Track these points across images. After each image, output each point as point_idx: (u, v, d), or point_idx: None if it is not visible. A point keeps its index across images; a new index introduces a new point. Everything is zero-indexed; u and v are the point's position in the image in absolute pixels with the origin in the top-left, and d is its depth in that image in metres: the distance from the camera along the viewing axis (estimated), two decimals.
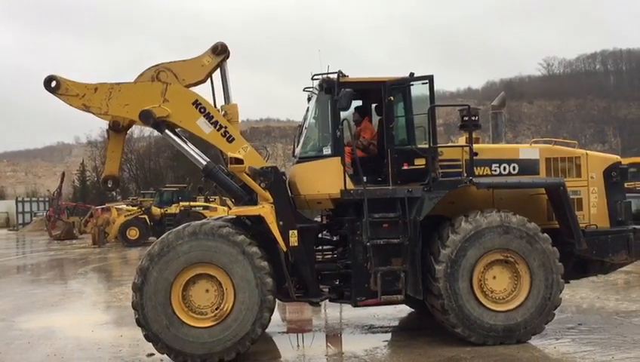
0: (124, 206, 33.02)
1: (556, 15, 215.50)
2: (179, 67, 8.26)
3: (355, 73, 8.45)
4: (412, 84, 8.35)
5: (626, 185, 9.29)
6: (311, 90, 8.94)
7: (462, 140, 8.86)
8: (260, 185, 8.06)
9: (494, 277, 7.96)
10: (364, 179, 8.06)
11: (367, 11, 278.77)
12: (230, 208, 11.06)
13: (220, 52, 8.32)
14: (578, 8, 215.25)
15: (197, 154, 8.36)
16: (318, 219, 9.50)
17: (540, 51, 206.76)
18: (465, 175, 8.20)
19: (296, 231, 8.01)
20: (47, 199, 52.55)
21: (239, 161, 8.02)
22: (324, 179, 8.21)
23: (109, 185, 8.61)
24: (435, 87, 8.25)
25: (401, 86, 8.39)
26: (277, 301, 8.03)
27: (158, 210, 30.65)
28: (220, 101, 8.55)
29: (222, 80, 8.53)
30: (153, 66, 8.24)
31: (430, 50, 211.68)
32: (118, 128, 8.40)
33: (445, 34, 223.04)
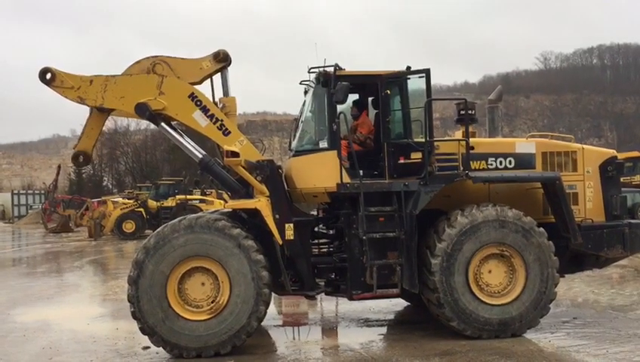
0: (120, 199, 33.02)
1: (536, 9, 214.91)
2: (176, 63, 8.22)
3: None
4: (409, 78, 8.34)
5: (621, 179, 9.31)
6: (307, 83, 8.91)
7: (458, 134, 8.85)
8: (256, 178, 8.04)
9: (490, 271, 7.98)
10: (361, 172, 8.05)
11: (344, 5, 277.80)
12: (226, 201, 11.06)
13: (221, 60, 8.28)
14: (555, 3, 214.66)
15: (193, 147, 8.33)
16: (314, 213, 9.49)
17: (521, 46, 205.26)
18: (461, 169, 8.19)
19: (292, 225, 8.01)
20: (43, 192, 52.40)
21: (235, 155, 8.00)
22: (320, 172, 8.19)
23: (80, 161, 8.45)
24: (432, 81, 8.25)
25: (398, 79, 8.38)
26: (273, 294, 8.03)
27: (155, 203, 30.65)
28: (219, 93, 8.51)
29: (221, 76, 8.49)
30: (150, 57, 8.18)
31: (411, 44, 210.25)
32: (102, 108, 8.31)
33: (426, 28, 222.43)
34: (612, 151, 9.17)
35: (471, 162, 8.20)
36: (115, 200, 32.56)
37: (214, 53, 8.30)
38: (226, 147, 8.02)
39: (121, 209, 29.85)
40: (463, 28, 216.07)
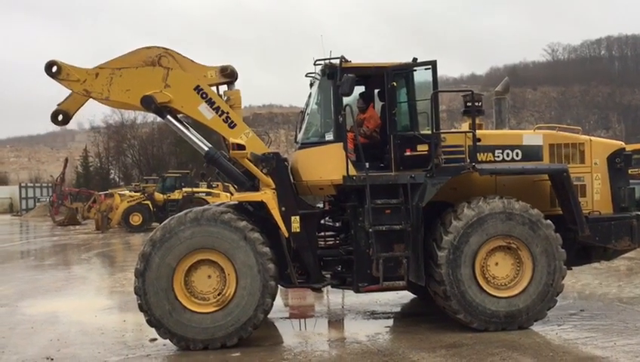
0: (127, 192, 33.11)
1: (536, 4, 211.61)
2: (182, 61, 8.12)
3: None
4: (415, 70, 8.30)
5: (629, 171, 9.25)
6: (313, 75, 8.89)
7: (465, 126, 8.82)
8: (262, 171, 8.04)
9: (497, 264, 7.95)
10: (367, 165, 8.03)
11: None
12: (232, 194, 11.06)
13: (227, 75, 8.21)
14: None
15: (199, 140, 8.33)
16: (321, 205, 9.49)
17: (520, 40, 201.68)
18: (468, 161, 8.16)
19: (298, 217, 8.01)
20: (50, 185, 52.54)
21: (241, 147, 8.00)
22: (326, 164, 8.18)
23: (59, 119, 8.26)
24: (438, 73, 8.20)
25: (404, 71, 8.34)
26: (279, 287, 8.04)
27: (161, 195, 30.74)
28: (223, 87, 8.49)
29: (227, 86, 8.46)
30: (160, 47, 8.09)
31: (406, 37, 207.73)
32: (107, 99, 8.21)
33: (420, 21, 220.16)
34: (620, 143, 9.12)
35: (478, 154, 8.17)
36: (122, 192, 32.62)
37: (222, 67, 8.23)
38: (231, 140, 8.02)
39: (128, 201, 29.93)
40: (459, 21, 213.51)
